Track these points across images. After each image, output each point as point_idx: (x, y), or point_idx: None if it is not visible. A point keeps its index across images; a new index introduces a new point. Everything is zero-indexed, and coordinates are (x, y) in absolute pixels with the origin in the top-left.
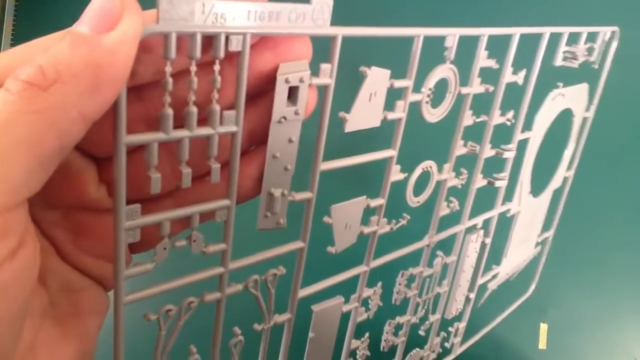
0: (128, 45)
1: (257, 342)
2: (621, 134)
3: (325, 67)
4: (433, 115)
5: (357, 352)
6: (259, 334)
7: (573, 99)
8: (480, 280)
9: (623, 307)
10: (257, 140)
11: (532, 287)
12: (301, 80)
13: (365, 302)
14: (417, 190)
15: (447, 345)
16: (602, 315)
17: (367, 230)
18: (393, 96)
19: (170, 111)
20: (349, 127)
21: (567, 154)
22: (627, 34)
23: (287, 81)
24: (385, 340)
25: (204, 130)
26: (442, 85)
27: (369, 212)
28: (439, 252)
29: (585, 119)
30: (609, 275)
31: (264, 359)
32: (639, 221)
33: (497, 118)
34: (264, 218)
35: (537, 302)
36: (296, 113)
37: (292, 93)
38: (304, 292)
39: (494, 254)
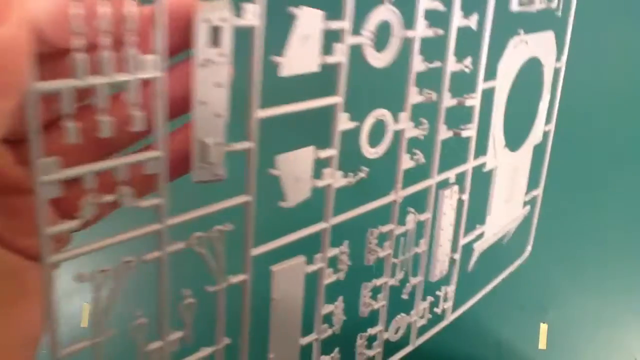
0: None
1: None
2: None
3: (249, 7)
4: (379, 59)
5: (333, 317)
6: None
7: (539, 47)
8: (464, 240)
9: (623, 307)
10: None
11: (528, 249)
12: (223, 20)
13: (332, 263)
14: (376, 142)
15: (437, 311)
16: (602, 315)
17: (321, 183)
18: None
19: (83, 55)
20: (285, 72)
21: (543, 106)
22: None
23: (207, 21)
24: (363, 304)
25: (123, 76)
26: (387, 28)
27: (323, 166)
28: (411, 209)
29: (557, 70)
30: (609, 275)
31: (222, 324)
32: (639, 221)
33: (453, 65)
34: (199, 169)
35: (537, 302)
36: (221, 55)
37: (216, 35)
38: (257, 251)
39: (478, 213)
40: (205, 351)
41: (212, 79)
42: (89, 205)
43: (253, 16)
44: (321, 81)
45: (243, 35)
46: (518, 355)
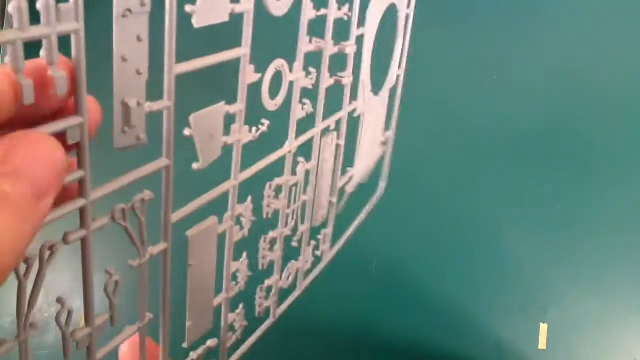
0: None
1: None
2: None
3: None
4: (278, 8)
5: (238, 275)
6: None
7: None
8: (340, 184)
9: (623, 307)
10: None
11: (382, 185)
12: None
13: (238, 221)
14: (274, 93)
15: (318, 253)
16: (602, 315)
17: (230, 140)
18: None
19: None
20: (198, 22)
21: (397, 50)
22: None
23: None
24: (263, 258)
25: (39, 30)
26: None
27: (230, 121)
28: (300, 159)
29: (407, 16)
30: (609, 275)
31: (144, 300)
32: (638, 221)
33: (335, 11)
34: (121, 134)
35: (537, 302)
36: (142, 4)
37: None
38: (177, 216)
39: (347, 157)
40: (130, 329)
41: (133, 31)
42: None
43: None
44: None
45: None
46: (518, 355)
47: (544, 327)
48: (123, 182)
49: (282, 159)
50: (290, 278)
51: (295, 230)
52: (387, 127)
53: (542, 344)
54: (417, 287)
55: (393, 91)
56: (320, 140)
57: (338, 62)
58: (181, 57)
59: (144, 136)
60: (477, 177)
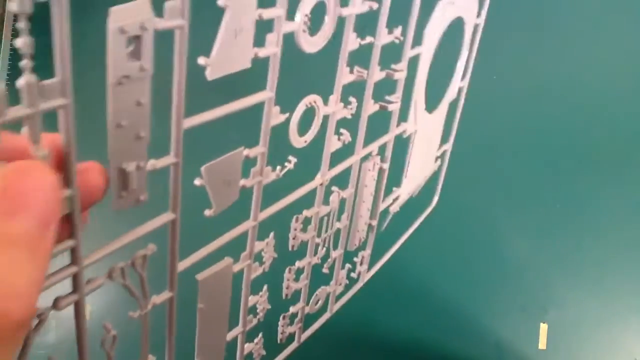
0: None
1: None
2: None
3: (172, 5)
4: (313, 44)
5: (257, 307)
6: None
7: (463, 6)
8: (382, 207)
9: (623, 307)
10: None
11: (435, 199)
12: (142, 27)
13: (258, 257)
14: (302, 129)
15: (353, 275)
16: (602, 315)
17: (249, 183)
18: (262, 29)
19: None
20: (213, 74)
21: (461, 63)
22: None
23: (122, 31)
24: (287, 288)
25: (21, 111)
26: (318, 9)
27: (249, 163)
28: (334, 188)
29: (476, 26)
30: (609, 275)
31: (146, 350)
32: (638, 221)
33: (384, 37)
34: (118, 198)
35: (537, 302)
36: (142, 69)
37: (135, 45)
38: (184, 265)
39: (394, 176)
40: None
41: (131, 97)
42: None
43: (175, 15)
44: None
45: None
46: (518, 355)
47: (544, 327)
48: (123, 241)
49: (313, 190)
50: (320, 303)
51: (325, 257)
52: (443, 140)
53: (542, 344)
54: (417, 287)
55: (453, 104)
56: (360, 167)
57: (385, 85)
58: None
59: (144, 197)
60: (476, 177)
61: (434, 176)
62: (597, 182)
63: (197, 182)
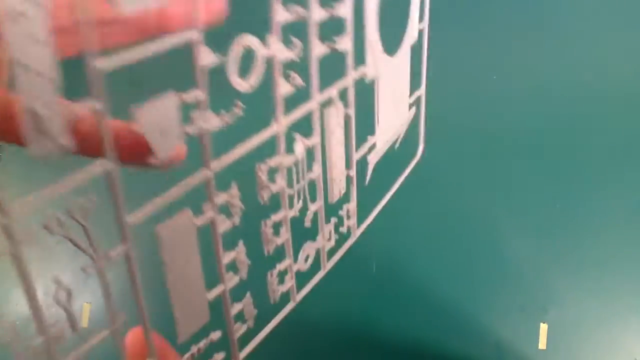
0: None
1: None
2: None
3: None
4: None
5: (237, 263)
6: None
7: None
8: (357, 156)
9: (623, 307)
10: None
11: (420, 148)
12: None
13: (225, 210)
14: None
15: (343, 230)
16: (602, 315)
17: (191, 129)
18: None
19: None
20: (127, 6)
21: (415, 3)
22: None
23: None
24: (267, 243)
25: None
26: None
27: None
28: (298, 136)
29: None
30: (609, 275)
31: (112, 303)
32: (638, 221)
33: None
34: (35, 142)
35: (537, 302)
36: (37, 4)
37: None
38: (134, 217)
39: (365, 125)
40: (99, 335)
41: (28, 34)
42: None
43: None
44: None
45: None
46: (518, 355)
47: (544, 327)
48: (54, 191)
49: (274, 141)
50: (310, 259)
51: (304, 210)
52: (414, 86)
53: (542, 344)
54: (417, 287)
55: (417, 48)
56: (322, 113)
57: (334, 27)
58: None
59: (66, 142)
60: (476, 177)
61: (413, 124)
62: (597, 182)
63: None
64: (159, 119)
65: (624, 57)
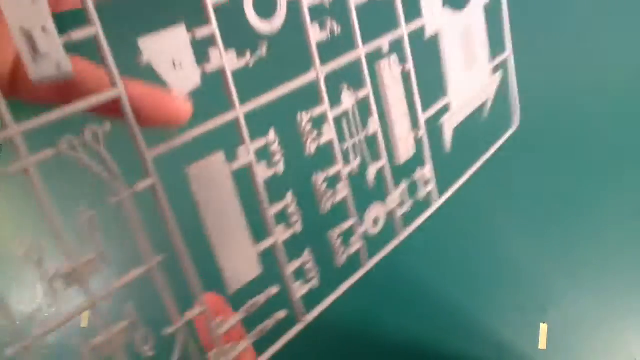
0: None
1: None
2: None
3: None
4: None
5: (287, 215)
6: None
7: None
8: (425, 115)
9: (623, 307)
10: None
11: (516, 119)
12: None
13: (266, 156)
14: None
15: (420, 196)
16: (602, 315)
17: (210, 66)
18: None
19: None
20: None
21: None
22: None
23: None
24: (321, 197)
25: None
26: None
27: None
28: (345, 85)
29: None
30: (609, 275)
31: (144, 240)
32: (638, 221)
33: None
34: (33, 64)
35: (537, 302)
36: None
37: None
38: (156, 151)
39: (437, 87)
40: (134, 272)
41: None
42: None
43: None
44: None
45: None
46: (518, 355)
47: (544, 327)
48: (66, 113)
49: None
50: (380, 223)
51: (364, 168)
52: (497, 50)
53: (542, 344)
54: (417, 287)
55: (496, 9)
56: (370, 66)
57: None
58: None
59: (67, 66)
60: (476, 177)
61: (503, 93)
62: (597, 182)
63: (140, 59)
64: (169, 49)
65: (626, 56)
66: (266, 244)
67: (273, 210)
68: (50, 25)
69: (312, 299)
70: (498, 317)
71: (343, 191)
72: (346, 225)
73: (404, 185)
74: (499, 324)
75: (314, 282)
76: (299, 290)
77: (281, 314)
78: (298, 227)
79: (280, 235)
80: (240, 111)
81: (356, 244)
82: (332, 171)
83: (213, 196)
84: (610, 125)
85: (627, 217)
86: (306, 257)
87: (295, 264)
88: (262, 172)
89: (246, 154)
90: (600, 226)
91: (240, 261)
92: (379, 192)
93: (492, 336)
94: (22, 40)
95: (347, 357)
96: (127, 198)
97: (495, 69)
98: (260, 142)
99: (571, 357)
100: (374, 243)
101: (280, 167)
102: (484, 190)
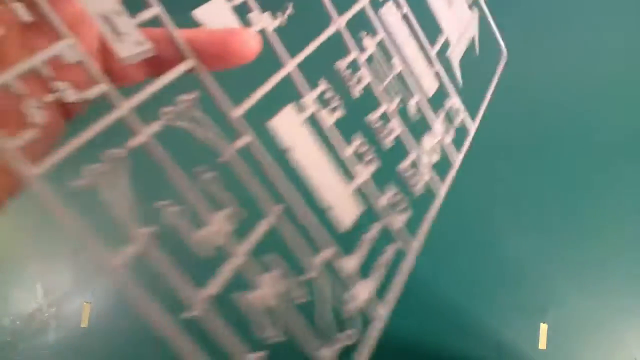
0: None
1: None
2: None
3: None
4: None
5: (362, 154)
6: None
7: None
8: (434, 49)
9: (623, 307)
10: None
11: (503, 51)
12: None
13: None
14: None
15: (457, 125)
16: (602, 315)
17: (254, 28)
18: None
19: None
20: None
21: None
22: None
23: None
24: (381, 134)
25: None
26: None
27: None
28: (364, 33)
29: None
30: (609, 275)
31: (263, 195)
32: (638, 221)
33: None
34: (118, 45)
35: (537, 302)
36: None
37: None
38: (239, 111)
39: (433, 25)
40: (263, 225)
41: None
42: (33, 109)
43: None
44: None
45: None
46: (518, 355)
47: (544, 327)
48: (156, 86)
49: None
50: (437, 151)
51: (404, 102)
52: None
53: (542, 344)
54: (417, 287)
55: None
56: (377, 12)
57: None
58: None
59: (145, 41)
60: (476, 176)
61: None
62: (598, 182)
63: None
64: (217, 18)
65: (625, 56)
66: (357, 181)
67: (349, 150)
68: (122, 8)
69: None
70: (498, 317)
71: (397, 127)
72: (410, 158)
73: (442, 114)
74: (499, 324)
75: (407, 211)
76: (398, 220)
77: (391, 248)
78: (377, 163)
79: (365, 172)
80: (291, 65)
81: (428, 172)
82: (380, 110)
83: (298, 143)
84: (610, 125)
85: (627, 218)
86: (392, 189)
87: (386, 197)
88: (328, 118)
89: (311, 102)
90: (600, 226)
91: (343, 200)
92: (423, 125)
93: (492, 336)
94: (104, 25)
95: (346, 357)
96: (233, 155)
97: (470, 7)
98: (315, 92)
99: (571, 357)
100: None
101: (340, 110)
102: (484, 192)
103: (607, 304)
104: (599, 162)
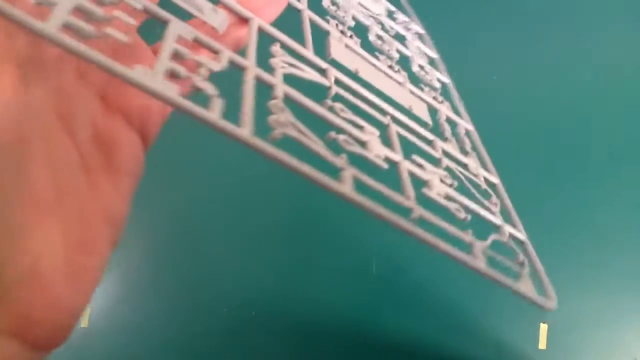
0: None
1: None
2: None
3: None
4: None
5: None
6: None
7: None
8: None
9: (623, 307)
10: None
11: None
12: None
13: None
14: None
15: None
16: (602, 315)
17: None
18: None
19: None
20: None
21: None
22: None
23: None
24: None
25: None
26: None
27: None
28: None
29: None
30: (609, 275)
31: None
32: (639, 221)
33: None
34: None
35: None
36: None
37: None
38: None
39: None
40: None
41: None
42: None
43: None
44: None
45: None
46: (518, 355)
47: (544, 327)
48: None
49: None
50: None
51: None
52: None
53: (542, 344)
54: (417, 287)
55: None
56: None
57: None
58: None
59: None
60: None
61: None
62: (597, 181)
63: None
64: None
65: (625, 56)
66: (407, 86)
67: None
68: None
69: None
70: (498, 317)
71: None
72: None
73: None
74: (499, 324)
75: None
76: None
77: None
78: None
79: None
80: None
81: None
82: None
83: (359, 64)
84: (610, 125)
85: (627, 217)
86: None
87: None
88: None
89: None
90: (600, 226)
91: (413, 101)
92: None
93: (492, 336)
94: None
95: (347, 357)
96: None
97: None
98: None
99: (571, 357)
100: None
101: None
102: None
103: (607, 304)
104: (599, 162)
